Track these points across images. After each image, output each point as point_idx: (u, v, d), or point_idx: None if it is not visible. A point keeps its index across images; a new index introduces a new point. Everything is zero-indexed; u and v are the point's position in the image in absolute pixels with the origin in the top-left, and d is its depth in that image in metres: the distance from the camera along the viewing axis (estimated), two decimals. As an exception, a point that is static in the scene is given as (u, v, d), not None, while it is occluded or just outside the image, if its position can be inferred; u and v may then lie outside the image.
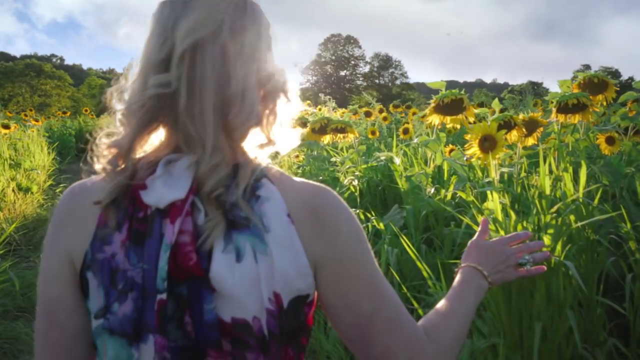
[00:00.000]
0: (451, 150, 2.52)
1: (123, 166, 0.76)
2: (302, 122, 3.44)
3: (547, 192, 1.49)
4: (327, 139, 2.88)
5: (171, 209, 0.72)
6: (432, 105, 1.90)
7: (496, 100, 2.05)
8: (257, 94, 0.78)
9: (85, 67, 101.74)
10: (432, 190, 1.90)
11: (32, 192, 6.41)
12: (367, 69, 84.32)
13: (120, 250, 0.73)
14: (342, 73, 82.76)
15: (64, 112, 17.77)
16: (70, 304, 0.78)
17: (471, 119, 1.89)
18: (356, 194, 2.47)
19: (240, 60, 0.76)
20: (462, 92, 1.86)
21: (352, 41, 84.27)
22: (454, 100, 1.83)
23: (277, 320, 0.73)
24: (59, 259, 0.78)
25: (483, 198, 1.81)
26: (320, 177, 2.98)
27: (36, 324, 0.80)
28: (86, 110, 18.77)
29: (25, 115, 12.27)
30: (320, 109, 8.79)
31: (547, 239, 1.47)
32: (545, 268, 1.07)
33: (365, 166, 2.84)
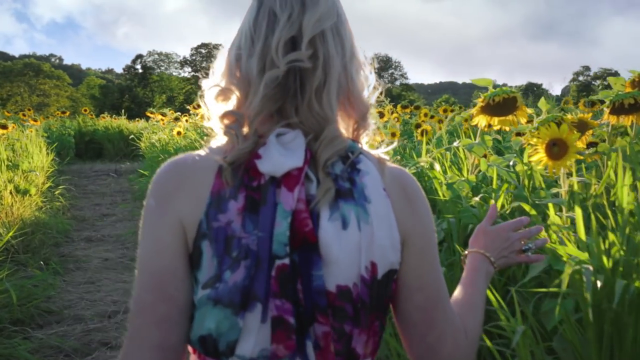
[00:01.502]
0: (484, 155, 2.33)
1: (247, 134, 0.78)
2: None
3: (625, 205, 1.29)
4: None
5: (285, 178, 0.74)
6: (480, 104, 1.69)
7: (542, 99, 1.85)
8: (366, 98, 0.86)
9: (84, 67, 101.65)
10: (477, 199, 1.69)
11: (30, 195, 6.18)
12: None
13: (237, 218, 0.74)
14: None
15: (63, 112, 17.54)
16: (180, 275, 0.77)
17: (523, 120, 1.69)
18: None
19: (352, 56, 0.84)
20: (513, 90, 1.66)
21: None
22: (506, 99, 1.63)
23: (369, 289, 0.76)
24: (170, 229, 0.77)
25: (537, 208, 1.60)
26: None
27: (139, 299, 0.77)
28: (85, 110, 18.53)
29: (24, 115, 12.05)
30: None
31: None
32: (543, 257, 1.11)
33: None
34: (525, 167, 1.85)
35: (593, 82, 67.75)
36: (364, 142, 0.87)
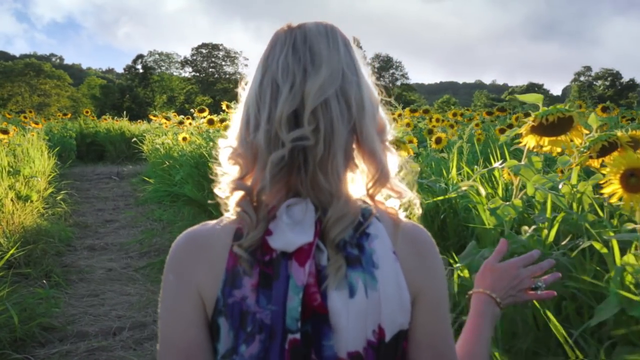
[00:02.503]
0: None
1: (260, 217, 0.79)
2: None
3: None
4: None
5: (297, 252, 0.75)
6: (531, 123, 1.53)
7: (593, 115, 1.69)
8: (380, 146, 0.84)
9: (84, 66, 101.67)
10: (527, 228, 1.53)
11: (31, 201, 6.04)
12: (368, 69, 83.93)
13: (252, 294, 0.76)
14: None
15: (64, 114, 17.40)
16: (205, 346, 0.79)
17: (578, 141, 1.53)
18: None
19: (362, 111, 0.81)
20: (568, 108, 1.50)
21: (353, 41, 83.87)
22: (562, 118, 1.47)
23: (376, 352, 0.76)
24: (191, 303, 0.79)
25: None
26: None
27: None
28: (87, 112, 18.37)
29: (25, 118, 11.88)
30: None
31: None
32: (555, 293, 1.05)
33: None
34: (574, 190, 1.68)
35: (594, 83, 67.65)
36: (381, 196, 0.86)
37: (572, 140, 1.57)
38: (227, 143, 0.86)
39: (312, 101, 0.77)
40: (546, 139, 1.59)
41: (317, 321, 0.75)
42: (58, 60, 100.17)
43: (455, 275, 1.61)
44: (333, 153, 0.78)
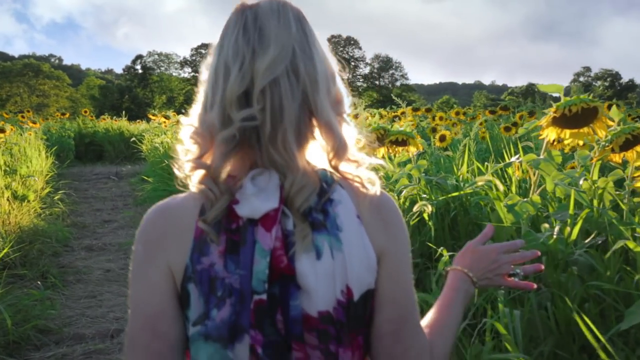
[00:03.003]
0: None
1: (220, 187, 0.82)
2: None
3: None
4: (381, 152, 2.43)
5: (263, 218, 0.79)
6: (552, 114, 1.44)
7: (614, 107, 1.60)
8: (336, 118, 0.86)
9: (83, 67, 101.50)
10: (547, 226, 1.44)
11: (28, 201, 5.94)
12: (367, 70, 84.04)
13: (219, 260, 0.79)
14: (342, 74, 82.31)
15: (63, 114, 17.27)
16: (172, 315, 0.82)
17: (601, 133, 1.44)
18: (430, 223, 1.97)
19: (313, 86, 0.83)
20: (592, 98, 1.41)
21: (352, 42, 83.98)
22: (586, 108, 1.38)
23: (345, 311, 0.80)
24: (160, 274, 0.82)
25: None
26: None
27: (135, 339, 0.83)
28: (85, 112, 18.26)
29: (23, 117, 11.78)
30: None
31: None
32: (535, 286, 1.07)
33: (419, 185, 2.38)
34: (595, 185, 1.59)
35: (594, 83, 67.62)
36: (346, 163, 0.87)
37: (595, 133, 1.48)
38: (189, 121, 0.88)
39: (260, 80, 0.80)
40: (567, 132, 1.50)
41: (284, 283, 0.79)
42: (57, 61, 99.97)
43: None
44: (282, 130, 0.80)
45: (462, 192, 2.09)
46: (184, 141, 0.87)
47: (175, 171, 0.88)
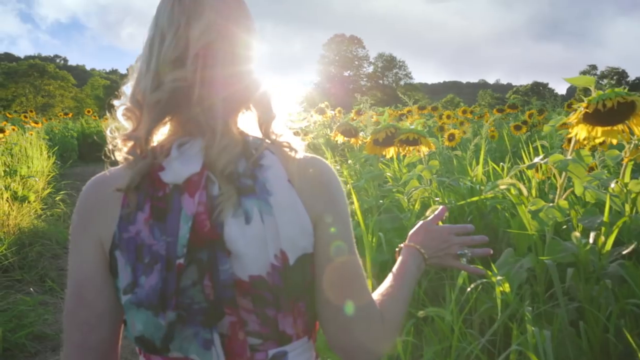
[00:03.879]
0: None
1: (143, 154, 0.82)
2: (346, 130, 2.83)
3: None
4: (390, 152, 2.31)
5: (188, 184, 0.79)
6: (584, 110, 1.30)
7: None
8: (263, 91, 0.88)
9: (88, 67, 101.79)
10: (578, 234, 1.31)
11: (29, 202, 5.83)
12: (371, 69, 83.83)
13: (145, 227, 0.79)
14: (346, 73, 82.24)
15: (66, 114, 17.20)
16: (98, 283, 0.83)
17: (638, 130, 1.30)
18: None
19: (245, 57, 0.85)
20: (628, 92, 1.27)
21: (355, 41, 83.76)
22: (622, 103, 1.25)
23: (281, 276, 0.80)
24: (90, 244, 0.83)
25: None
26: (381, 201, 2.36)
27: (65, 305, 0.85)
28: (88, 112, 18.18)
29: (25, 117, 11.68)
30: (339, 112, 8.18)
31: None
32: (483, 272, 1.14)
33: (430, 187, 2.24)
34: (627, 189, 1.46)
35: (600, 82, 67.19)
36: (278, 132, 0.89)
37: (631, 131, 1.34)
38: (121, 101, 0.87)
39: (194, 44, 0.80)
40: (599, 129, 1.36)
41: (212, 249, 0.78)
42: (62, 62, 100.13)
43: (498, 291, 1.37)
44: (212, 93, 0.81)
45: (482, 197, 1.95)
46: (120, 122, 0.87)
47: (110, 149, 0.88)
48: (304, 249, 0.82)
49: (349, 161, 3.86)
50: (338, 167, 3.31)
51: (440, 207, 1.15)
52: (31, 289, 3.87)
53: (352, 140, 2.88)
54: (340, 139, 2.90)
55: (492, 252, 1.12)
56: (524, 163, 2.41)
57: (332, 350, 0.88)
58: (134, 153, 0.83)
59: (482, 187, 2.16)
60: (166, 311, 0.78)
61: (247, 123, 0.90)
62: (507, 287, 1.32)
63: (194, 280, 0.78)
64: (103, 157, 0.90)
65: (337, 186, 0.88)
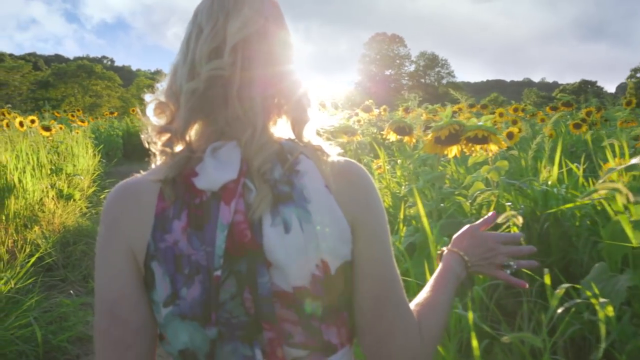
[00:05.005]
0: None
1: (180, 147, 0.80)
2: (400, 127, 2.65)
3: None
4: (453, 151, 2.11)
5: (224, 192, 0.76)
6: None
7: None
8: (301, 91, 0.85)
9: (134, 68, 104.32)
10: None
11: (74, 200, 5.87)
12: (412, 68, 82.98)
13: (182, 237, 0.76)
14: (387, 72, 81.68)
15: (111, 112, 17.57)
16: (133, 299, 0.78)
17: None
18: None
19: (284, 56, 0.84)
20: None
21: (397, 40, 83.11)
22: None
23: (323, 285, 0.76)
24: (120, 255, 0.78)
25: None
26: (442, 205, 2.16)
27: (96, 324, 0.80)
28: (133, 111, 18.49)
29: (72, 116, 11.92)
30: (384, 110, 7.97)
31: None
32: (527, 285, 1.03)
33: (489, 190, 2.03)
34: None
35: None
36: (309, 137, 0.86)
37: None
38: (154, 96, 0.85)
39: (232, 37, 0.79)
40: None
41: (252, 260, 0.75)
42: (109, 62, 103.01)
43: (602, 314, 1.16)
44: (251, 84, 0.79)
45: (580, 203, 1.72)
46: (150, 119, 0.84)
47: (145, 140, 0.84)
48: (344, 256, 0.79)
49: (398, 161, 3.66)
50: (389, 167, 3.13)
51: (491, 212, 1.10)
52: (73, 290, 3.82)
53: (406, 138, 2.70)
54: (392, 137, 2.72)
55: (538, 264, 1.07)
56: (602, 163, 2.17)
57: None
58: (170, 145, 0.81)
59: (557, 190, 1.93)
60: (210, 325, 0.75)
61: (278, 128, 0.87)
62: (610, 310, 1.11)
63: (233, 293, 0.75)
64: (147, 157, 0.87)
65: (373, 191, 0.85)
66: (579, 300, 1.13)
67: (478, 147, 2.00)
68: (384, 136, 2.82)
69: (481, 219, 1.08)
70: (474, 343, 1.23)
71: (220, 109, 0.81)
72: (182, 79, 0.81)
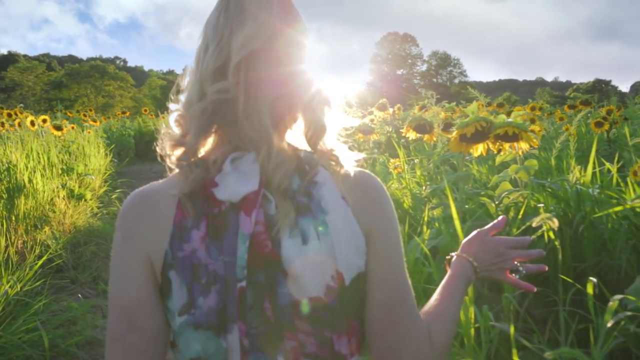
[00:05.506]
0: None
1: (195, 161, 0.80)
2: (420, 125, 2.53)
3: None
4: (479, 149, 1.99)
5: (244, 203, 0.76)
6: None
7: None
8: (316, 98, 0.84)
9: (146, 68, 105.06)
10: None
11: (85, 200, 5.81)
12: (424, 67, 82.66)
13: (201, 246, 0.76)
14: (399, 72, 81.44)
15: (123, 112, 17.60)
16: (149, 306, 0.79)
17: None
18: (556, 243, 1.47)
19: (293, 56, 0.82)
20: None
21: (409, 39, 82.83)
22: None
23: (338, 296, 0.77)
24: (137, 263, 0.79)
25: None
26: (467, 206, 2.03)
27: (111, 330, 0.80)
28: (145, 111, 18.51)
29: (85, 116, 11.93)
30: (399, 109, 7.84)
31: None
32: (535, 289, 1.04)
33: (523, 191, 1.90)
34: None
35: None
36: (326, 144, 0.85)
37: None
38: (177, 107, 0.86)
39: (236, 55, 0.78)
40: None
41: (270, 270, 0.75)
42: (122, 63, 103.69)
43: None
44: (257, 106, 0.78)
45: (631, 206, 1.59)
46: (171, 127, 0.85)
47: (159, 153, 0.85)
48: (358, 267, 0.79)
49: (415, 160, 3.54)
50: (407, 167, 3.02)
51: (501, 217, 1.09)
52: (83, 292, 3.76)
53: (426, 137, 2.58)
54: (412, 135, 2.61)
55: (547, 268, 1.06)
56: (634, 163, 2.04)
57: None
58: (187, 159, 0.80)
59: (591, 191, 1.81)
60: (226, 334, 0.75)
61: (293, 135, 0.87)
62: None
63: (252, 303, 0.75)
64: (159, 157, 0.86)
65: (387, 201, 0.85)
66: (629, 313, 1.02)
67: (507, 145, 1.89)
68: (402, 134, 2.70)
69: (490, 224, 1.07)
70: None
71: (230, 127, 0.81)
72: (192, 96, 0.81)
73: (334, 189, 0.80)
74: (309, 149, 0.86)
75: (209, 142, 0.84)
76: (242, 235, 0.74)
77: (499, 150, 2.01)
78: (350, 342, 0.80)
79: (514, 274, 1.03)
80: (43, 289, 3.28)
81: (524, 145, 1.87)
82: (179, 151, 0.82)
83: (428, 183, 2.43)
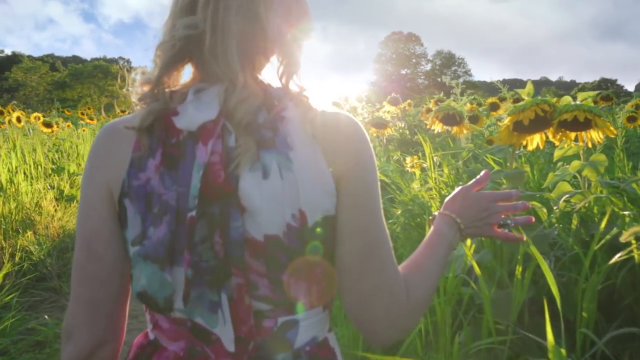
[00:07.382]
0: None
1: (157, 93, 0.79)
2: (448, 115, 2.15)
3: None
4: (535, 140, 1.60)
5: (203, 132, 0.74)
6: None
7: None
8: (289, 35, 0.81)
9: (150, 68, 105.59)
10: None
11: (76, 201, 5.47)
12: (428, 67, 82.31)
13: (155, 175, 0.75)
14: (403, 71, 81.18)
15: (123, 111, 17.34)
16: (107, 235, 0.79)
17: None
18: None
19: (268, 3, 0.78)
20: None
21: (413, 39, 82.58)
22: None
23: (298, 237, 0.73)
24: (98, 192, 0.79)
25: None
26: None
27: (74, 258, 0.82)
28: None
29: (82, 114, 11.58)
30: (409, 105, 7.47)
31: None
32: (524, 238, 1.03)
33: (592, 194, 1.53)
34: None
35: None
36: (295, 84, 0.79)
37: None
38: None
39: None
40: None
41: (226, 203, 0.71)
42: (125, 63, 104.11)
43: None
44: (224, 42, 0.75)
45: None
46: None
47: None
48: (325, 210, 0.74)
49: (433, 157, 3.16)
50: (433, 160, 2.65)
51: (483, 171, 1.04)
52: (66, 303, 3.40)
53: (454, 129, 2.20)
54: (438, 127, 2.24)
55: (534, 219, 1.04)
56: None
57: (351, 323, 0.78)
58: (148, 93, 0.78)
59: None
60: (173, 267, 0.72)
61: (263, 72, 0.83)
62: None
63: (203, 236, 0.72)
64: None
65: (364, 143, 0.78)
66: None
67: (573, 135, 1.51)
68: (427, 126, 2.33)
69: (473, 180, 1.03)
70: None
71: (197, 63, 0.80)
72: (166, 33, 0.79)
73: (303, 125, 0.75)
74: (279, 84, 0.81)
75: (183, 79, 0.82)
76: (197, 164, 0.71)
77: (548, 143, 1.63)
78: (310, 289, 0.76)
79: (502, 228, 0.99)
80: (18, 303, 2.92)
81: (595, 135, 1.48)
82: (147, 87, 0.79)
83: (460, 183, 2.06)
